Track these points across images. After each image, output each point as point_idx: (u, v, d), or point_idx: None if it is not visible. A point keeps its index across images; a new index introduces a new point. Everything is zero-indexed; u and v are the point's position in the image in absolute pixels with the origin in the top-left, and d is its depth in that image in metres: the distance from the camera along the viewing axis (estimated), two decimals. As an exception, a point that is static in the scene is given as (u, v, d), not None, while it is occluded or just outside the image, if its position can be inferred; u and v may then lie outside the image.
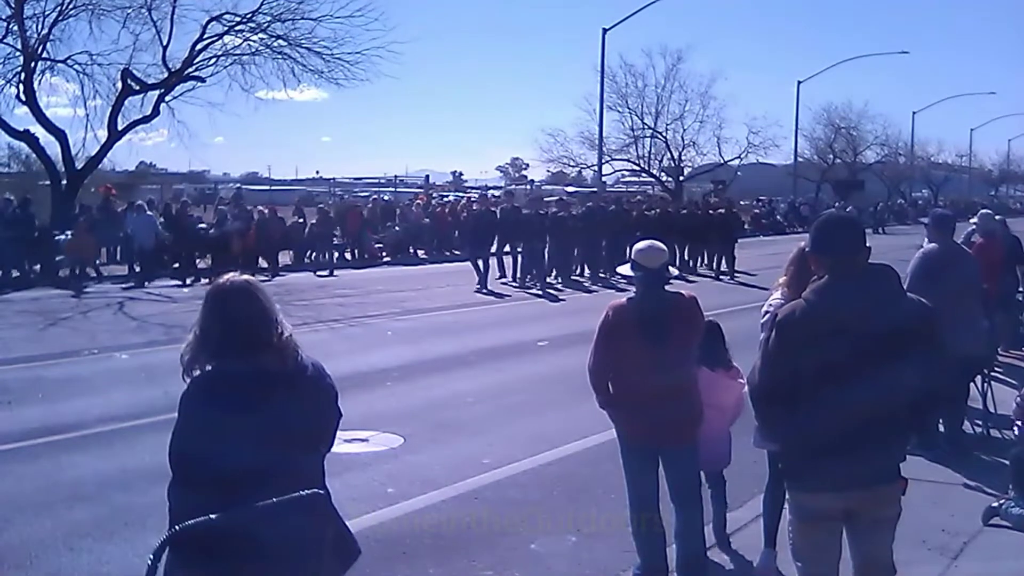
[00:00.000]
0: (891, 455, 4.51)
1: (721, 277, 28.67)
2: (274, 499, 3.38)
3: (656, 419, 5.90)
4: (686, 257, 29.92)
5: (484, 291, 23.73)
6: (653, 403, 5.87)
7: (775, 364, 4.40)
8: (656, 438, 6.02)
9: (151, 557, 3.22)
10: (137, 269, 25.75)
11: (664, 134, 57.84)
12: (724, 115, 63.29)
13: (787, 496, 4.73)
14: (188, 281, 24.99)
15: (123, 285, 24.08)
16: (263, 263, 27.46)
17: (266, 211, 29.47)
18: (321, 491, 3.62)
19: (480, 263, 24.62)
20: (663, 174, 58.30)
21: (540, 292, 24.28)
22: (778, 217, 57.63)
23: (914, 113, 77.50)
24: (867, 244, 4.47)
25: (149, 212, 25.97)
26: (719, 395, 6.41)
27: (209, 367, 3.66)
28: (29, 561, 6.87)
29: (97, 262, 26.28)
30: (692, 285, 21.28)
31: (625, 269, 6.23)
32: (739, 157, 61.03)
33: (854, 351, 4.26)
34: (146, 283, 24.26)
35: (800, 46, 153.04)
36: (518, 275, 25.89)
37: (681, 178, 57.81)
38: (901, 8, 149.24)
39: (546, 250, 26.24)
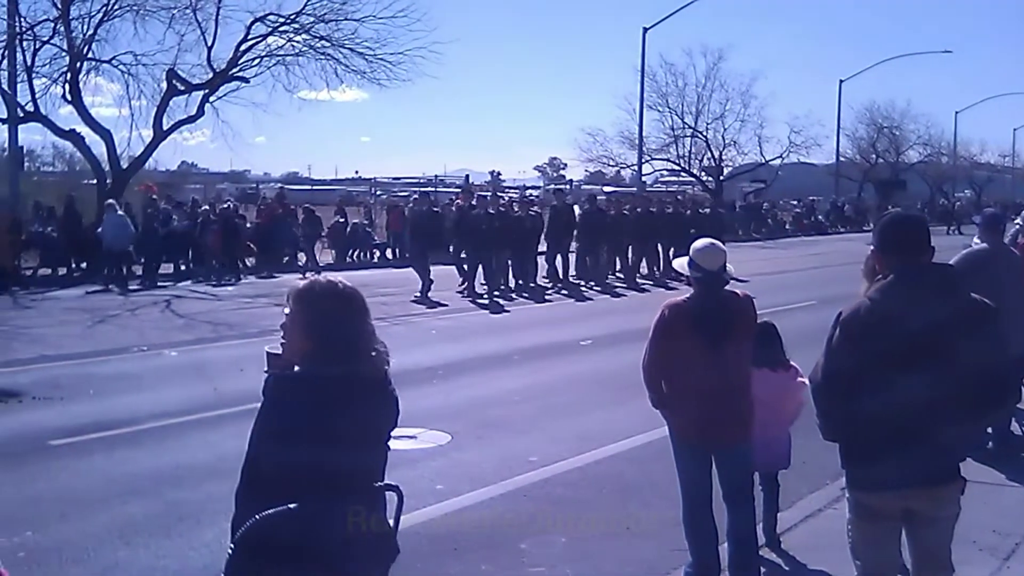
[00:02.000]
0: (951, 454, 4.51)
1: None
2: (351, 494, 3.42)
3: (710, 419, 5.91)
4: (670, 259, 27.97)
5: (421, 299, 21.36)
6: (707, 403, 5.88)
7: (837, 361, 4.39)
8: (710, 437, 6.02)
9: (231, 547, 3.26)
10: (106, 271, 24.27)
11: (705, 133, 57.65)
12: (765, 114, 62.80)
13: (846, 494, 4.73)
14: (231, 279, 25.35)
15: (133, 285, 23.98)
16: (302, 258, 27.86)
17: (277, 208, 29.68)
18: (395, 485, 3.66)
19: (422, 269, 22.23)
20: (703, 173, 58.04)
21: (487, 301, 21.88)
22: (819, 217, 57.27)
23: (957, 113, 76.71)
24: (931, 244, 4.48)
25: (120, 212, 24.81)
26: (775, 395, 6.41)
27: (297, 368, 3.63)
28: (86, 555, 6.97)
29: (141, 260, 26.49)
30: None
31: (681, 265, 6.19)
32: (781, 156, 60.72)
33: (917, 350, 4.26)
34: (111, 286, 23.29)
35: (842, 45, 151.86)
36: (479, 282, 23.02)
37: (722, 178, 57.51)
38: (944, 6, 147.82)
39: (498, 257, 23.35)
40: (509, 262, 23.99)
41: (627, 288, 25.17)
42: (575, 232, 26.22)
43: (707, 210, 29.83)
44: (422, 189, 32.43)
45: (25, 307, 20.47)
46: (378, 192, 65.80)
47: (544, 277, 25.30)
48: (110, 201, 25.64)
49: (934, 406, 4.29)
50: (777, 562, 6.74)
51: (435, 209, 25.54)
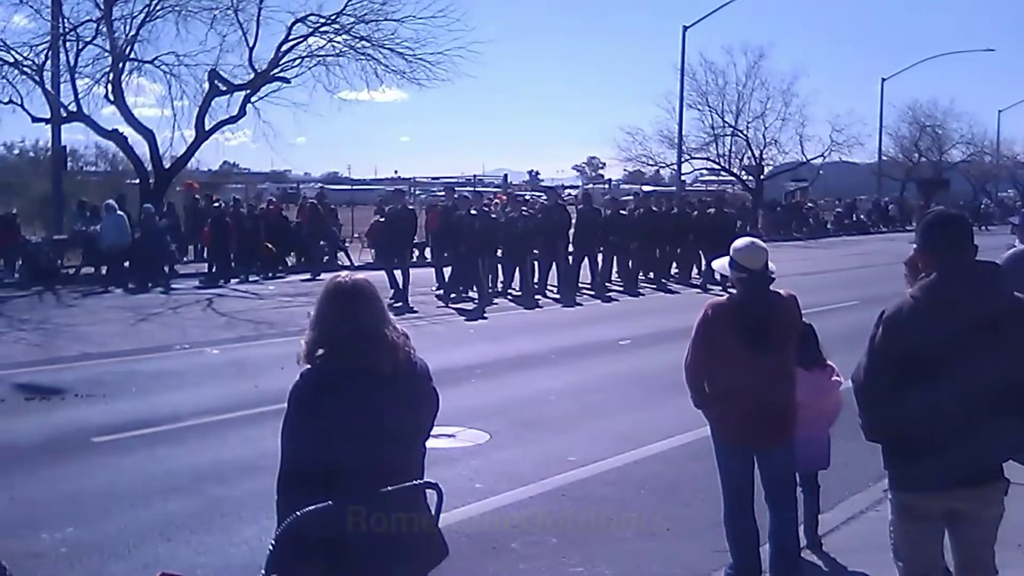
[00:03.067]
0: (995, 455, 4.45)
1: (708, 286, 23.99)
2: (390, 488, 3.44)
3: (752, 419, 5.86)
4: (676, 263, 27.05)
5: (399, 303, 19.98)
6: (750, 403, 5.84)
7: (880, 360, 4.36)
8: (751, 438, 5.98)
9: (272, 543, 3.28)
10: (104, 271, 24.20)
11: (745, 132, 57.16)
12: (806, 113, 62.41)
13: (888, 495, 4.68)
14: (267, 274, 25.61)
15: (165, 286, 24.12)
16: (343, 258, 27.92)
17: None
18: (434, 483, 3.67)
19: (396, 272, 21.12)
20: (744, 173, 57.69)
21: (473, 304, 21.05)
22: (861, 217, 56.78)
23: (1000, 112, 75.92)
24: (975, 242, 4.43)
25: (120, 212, 24.49)
26: (811, 395, 6.34)
27: (320, 362, 3.70)
28: (128, 551, 7.02)
29: (184, 259, 26.73)
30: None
31: (721, 266, 6.14)
32: (822, 155, 60.17)
33: (959, 349, 4.22)
34: (111, 288, 22.99)
35: (884, 43, 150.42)
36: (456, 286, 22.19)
37: (762, 177, 57.13)
38: (987, 4, 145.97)
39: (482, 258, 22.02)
40: (499, 264, 23.20)
41: (624, 293, 23.94)
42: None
43: (711, 211, 26.91)
44: (397, 188, 30.72)
45: (68, 305, 20.68)
46: (417, 192, 65.92)
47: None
48: (109, 201, 25.43)
49: (977, 405, 4.26)
50: (818, 564, 6.68)
51: (410, 208, 24.19)
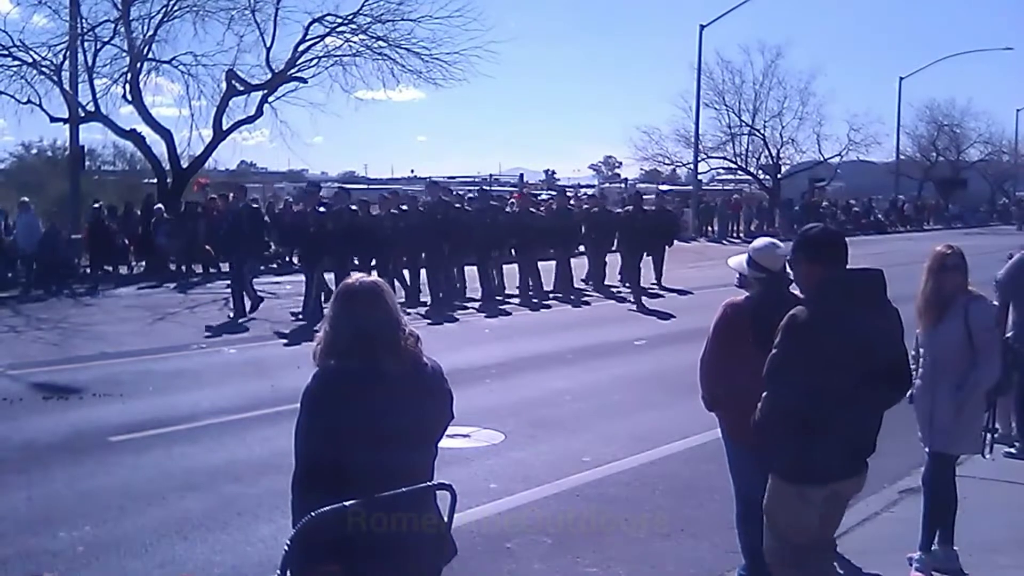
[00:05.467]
0: (873, 446, 4.98)
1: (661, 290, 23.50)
2: (403, 489, 3.46)
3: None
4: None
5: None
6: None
7: (779, 362, 4.85)
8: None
9: (288, 543, 3.30)
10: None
11: (762, 131, 57.07)
12: (824, 112, 62.08)
13: (774, 477, 5.09)
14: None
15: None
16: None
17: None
18: (448, 484, 3.68)
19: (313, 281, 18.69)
20: (760, 172, 57.56)
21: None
22: (879, 216, 56.58)
23: (1018, 110, 75.59)
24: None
25: (32, 213, 23.93)
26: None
27: (332, 363, 3.73)
28: (144, 549, 7.06)
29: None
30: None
31: (738, 264, 6.11)
32: (839, 155, 59.98)
33: (850, 353, 4.69)
34: (31, 291, 22.40)
35: (902, 42, 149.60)
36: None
37: (779, 176, 56.99)
38: (1005, 3, 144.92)
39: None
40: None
41: (564, 301, 21.76)
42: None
43: (655, 208, 24.80)
44: (342, 186, 28.77)
45: (86, 304, 20.79)
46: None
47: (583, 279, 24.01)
48: (24, 199, 24.84)
49: (864, 401, 4.78)
50: (833, 566, 6.66)
51: (319, 209, 19.55)
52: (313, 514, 3.31)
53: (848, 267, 5.03)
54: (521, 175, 79.43)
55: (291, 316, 18.48)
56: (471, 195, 27.00)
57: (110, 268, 25.82)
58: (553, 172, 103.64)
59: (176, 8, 29.77)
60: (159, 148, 31.33)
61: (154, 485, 8.44)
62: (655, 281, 23.98)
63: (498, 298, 21.40)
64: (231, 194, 23.08)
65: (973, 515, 6.90)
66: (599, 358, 14.69)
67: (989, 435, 7.22)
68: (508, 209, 24.92)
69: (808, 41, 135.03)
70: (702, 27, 46.18)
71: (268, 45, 30.79)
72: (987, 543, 6.83)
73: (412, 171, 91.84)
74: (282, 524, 6.70)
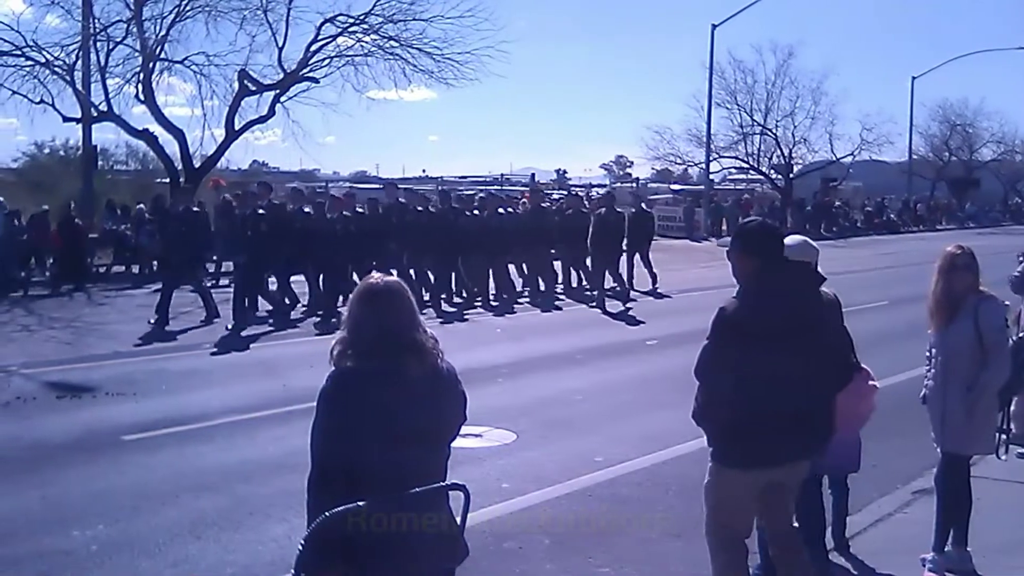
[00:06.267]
0: (812, 433, 5.21)
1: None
2: (417, 489, 3.47)
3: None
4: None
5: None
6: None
7: (718, 353, 5.09)
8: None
9: (302, 542, 3.30)
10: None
11: (774, 131, 56.78)
12: (836, 111, 61.69)
13: (712, 464, 5.42)
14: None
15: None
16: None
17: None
18: (462, 484, 3.68)
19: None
20: (772, 171, 57.41)
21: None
22: (891, 216, 56.42)
23: (1031, 110, 75.42)
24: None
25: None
26: (846, 398, 6.28)
27: (349, 364, 3.72)
28: (157, 549, 7.07)
29: (213, 256, 26.69)
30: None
31: None
32: (852, 154, 59.75)
33: (785, 341, 4.95)
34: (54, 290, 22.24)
35: (914, 41, 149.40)
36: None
37: (791, 175, 56.83)
38: (1017, 2, 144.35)
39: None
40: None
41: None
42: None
43: (601, 211, 21.80)
44: (295, 186, 28.02)
45: (99, 304, 20.84)
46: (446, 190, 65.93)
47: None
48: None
49: (799, 389, 4.99)
50: (846, 566, 6.66)
51: (259, 211, 18.36)
52: (328, 514, 3.31)
53: (781, 261, 5.24)
54: (533, 175, 79.50)
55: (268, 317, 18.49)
56: (481, 195, 26.87)
57: (122, 268, 25.84)
58: (564, 172, 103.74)
59: (188, 8, 29.79)
60: (171, 148, 31.36)
61: (167, 484, 8.46)
62: (652, 285, 23.29)
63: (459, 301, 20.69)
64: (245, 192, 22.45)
65: (987, 516, 6.88)
66: (611, 358, 14.68)
67: (1003, 435, 7.19)
68: (503, 211, 23.04)
69: (820, 41, 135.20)
70: (714, 26, 46.17)
71: (280, 45, 30.81)
72: (1001, 544, 6.81)
73: (424, 171, 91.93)
74: (295, 524, 6.72)
